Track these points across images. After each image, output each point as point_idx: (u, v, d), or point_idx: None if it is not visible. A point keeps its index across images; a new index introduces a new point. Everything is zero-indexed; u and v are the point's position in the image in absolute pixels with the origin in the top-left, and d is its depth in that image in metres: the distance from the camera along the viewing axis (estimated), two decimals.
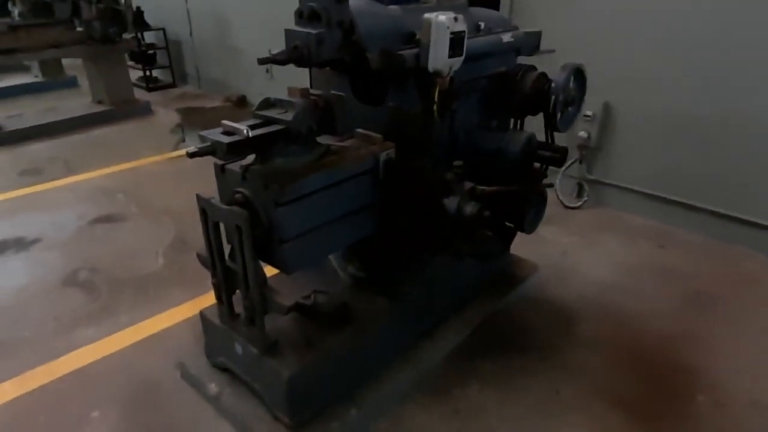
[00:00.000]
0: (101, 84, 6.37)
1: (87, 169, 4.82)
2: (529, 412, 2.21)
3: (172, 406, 2.25)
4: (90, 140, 5.73)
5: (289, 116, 1.70)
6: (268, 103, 1.81)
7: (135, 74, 7.52)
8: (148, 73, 7.78)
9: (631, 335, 2.66)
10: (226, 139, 1.61)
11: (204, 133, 1.69)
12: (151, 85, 7.80)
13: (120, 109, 6.38)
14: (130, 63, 7.52)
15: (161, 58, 8.01)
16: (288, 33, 1.73)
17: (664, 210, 3.70)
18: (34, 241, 3.60)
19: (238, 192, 1.77)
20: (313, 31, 1.68)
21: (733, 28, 3.11)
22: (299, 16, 1.73)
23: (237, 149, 1.64)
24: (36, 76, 8.19)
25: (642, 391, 2.32)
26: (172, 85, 8.02)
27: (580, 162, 3.98)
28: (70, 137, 5.75)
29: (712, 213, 3.49)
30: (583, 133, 3.84)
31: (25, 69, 8.48)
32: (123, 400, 2.30)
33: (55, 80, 8.00)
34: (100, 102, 6.48)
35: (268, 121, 1.74)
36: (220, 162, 1.81)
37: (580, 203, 4.00)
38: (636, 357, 2.52)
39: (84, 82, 7.06)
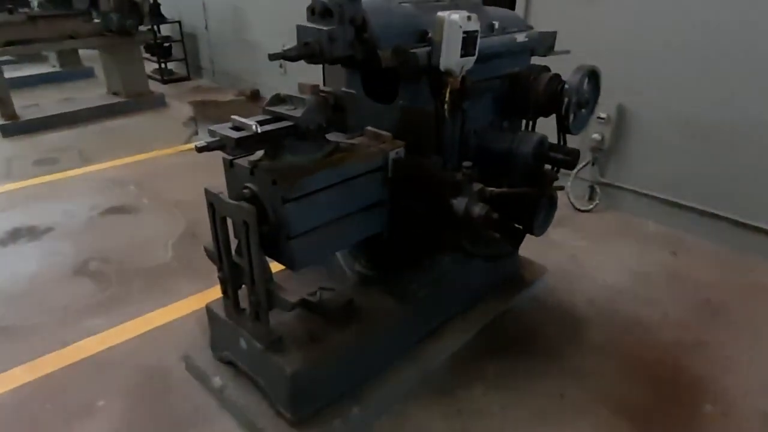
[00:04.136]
0: (117, 75, 6.43)
1: (101, 160, 4.88)
2: (532, 415, 2.19)
3: (176, 398, 2.27)
4: (105, 131, 5.80)
5: (298, 113, 1.70)
6: (278, 99, 1.81)
7: (150, 66, 7.58)
8: (163, 65, 7.84)
9: (640, 342, 2.63)
10: (234, 135, 1.62)
11: (213, 127, 1.69)
12: (166, 78, 7.87)
13: (135, 100, 6.44)
14: (146, 55, 7.60)
15: (176, 50, 8.07)
16: (300, 29, 1.73)
17: (677, 216, 3.65)
18: (47, 230, 3.64)
19: (246, 187, 1.77)
20: (325, 28, 1.68)
21: (754, 34, 3.05)
22: (311, 12, 1.73)
23: (245, 145, 1.64)
24: (53, 66, 8.31)
25: (649, 399, 2.30)
26: (187, 78, 8.08)
27: (593, 165, 3.94)
28: (86, 128, 5.83)
29: (726, 220, 3.43)
30: (596, 136, 3.80)
31: (43, 59, 8.61)
32: (128, 390, 2.32)
33: (72, 71, 8.10)
34: (115, 93, 6.54)
35: (278, 118, 1.74)
36: (229, 157, 1.82)
37: (592, 206, 3.96)
38: (644, 364, 2.49)
39: (100, 73, 7.13)
